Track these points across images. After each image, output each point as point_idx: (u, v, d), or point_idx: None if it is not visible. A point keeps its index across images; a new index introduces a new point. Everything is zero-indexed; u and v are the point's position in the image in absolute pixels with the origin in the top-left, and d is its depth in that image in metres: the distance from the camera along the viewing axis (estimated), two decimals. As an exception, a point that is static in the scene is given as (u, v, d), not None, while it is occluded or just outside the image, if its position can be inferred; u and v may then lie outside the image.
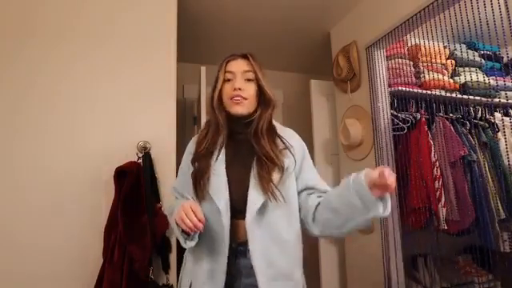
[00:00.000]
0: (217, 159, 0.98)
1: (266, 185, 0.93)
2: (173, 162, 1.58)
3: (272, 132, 1.02)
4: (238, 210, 0.94)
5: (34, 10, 1.52)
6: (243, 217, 0.92)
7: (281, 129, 1.06)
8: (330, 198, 0.94)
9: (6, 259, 1.33)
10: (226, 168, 0.97)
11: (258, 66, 1.02)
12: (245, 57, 1.03)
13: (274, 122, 1.06)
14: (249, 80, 1.00)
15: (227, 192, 0.94)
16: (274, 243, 0.94)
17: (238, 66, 1.01)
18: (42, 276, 1.35)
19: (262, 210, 0.93)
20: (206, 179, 0.95)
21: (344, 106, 2.25)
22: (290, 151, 1.00)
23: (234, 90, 0.98)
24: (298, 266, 0.99)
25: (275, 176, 0.95)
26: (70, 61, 1.52)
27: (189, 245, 0.91)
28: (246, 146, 1.00)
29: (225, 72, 1.01)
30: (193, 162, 1.01)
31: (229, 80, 1.01)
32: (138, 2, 1.67)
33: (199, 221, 0.85)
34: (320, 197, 0.99)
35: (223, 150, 0.99)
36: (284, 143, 1.01)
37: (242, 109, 0.99)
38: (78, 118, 1.49)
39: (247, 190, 0.94)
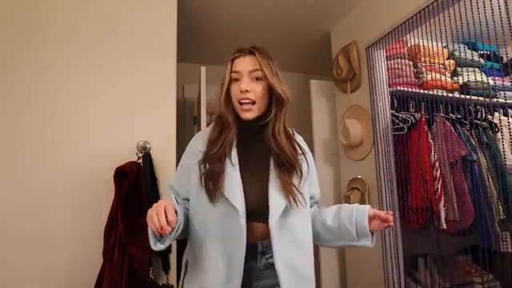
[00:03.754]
0: (229, 160, 0.93)
1: (288, 188, 0.92)
2: (173, 161, 1.58)
3: (289, 136, 1.00)
4: (253, 212, 0.89)
5: (37, 12, 1.52)
6: (259, 219, 0.90)
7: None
8: (325, 217, 1.02)
9: (5, 258, 1.33)
10: (239, 169, 0.93)
11: (265, 61, 0.94)
12: (252, 53, 0.95)
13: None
14: (257, 79, 0.94)
15: (242, 193, 0.89)
16: (293, 245, 0.92)
17: (245, 65, 0.94)
18: (41, 276, 1.35)
19: (284, 213, 0.91)
20: (220, 181, 0.90)
21: (344, 106, 2.25)
22: (306, 157, 1.00)
23: (241, 92, 0.92)
24: (312, 265, 0.99)
25: (295, 180, 0.94)
26: (71, 61, 1.53)
27: (158, 247, 0.85)
28: (259, 147, 0.97)
29: (231, 72, 0.95)
30: (203, 162, 0.94)
31: (236, 79, 0.95)
32: (138, 2, 1.67)
33: (168, 223, 0.76)
34: (313, 207, 1.09)
35: (235, 151, 0.95)
36: (301, 149, 1.00)
37: (252, 114, 0.94)
38: (79, 118, 1.50)
39: (265, 193, 0.91)
